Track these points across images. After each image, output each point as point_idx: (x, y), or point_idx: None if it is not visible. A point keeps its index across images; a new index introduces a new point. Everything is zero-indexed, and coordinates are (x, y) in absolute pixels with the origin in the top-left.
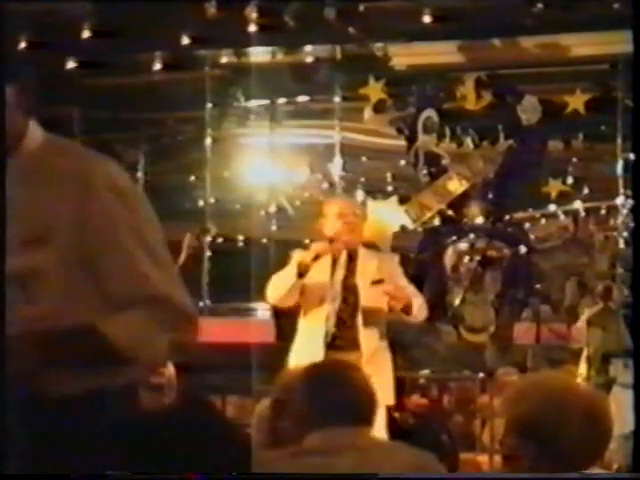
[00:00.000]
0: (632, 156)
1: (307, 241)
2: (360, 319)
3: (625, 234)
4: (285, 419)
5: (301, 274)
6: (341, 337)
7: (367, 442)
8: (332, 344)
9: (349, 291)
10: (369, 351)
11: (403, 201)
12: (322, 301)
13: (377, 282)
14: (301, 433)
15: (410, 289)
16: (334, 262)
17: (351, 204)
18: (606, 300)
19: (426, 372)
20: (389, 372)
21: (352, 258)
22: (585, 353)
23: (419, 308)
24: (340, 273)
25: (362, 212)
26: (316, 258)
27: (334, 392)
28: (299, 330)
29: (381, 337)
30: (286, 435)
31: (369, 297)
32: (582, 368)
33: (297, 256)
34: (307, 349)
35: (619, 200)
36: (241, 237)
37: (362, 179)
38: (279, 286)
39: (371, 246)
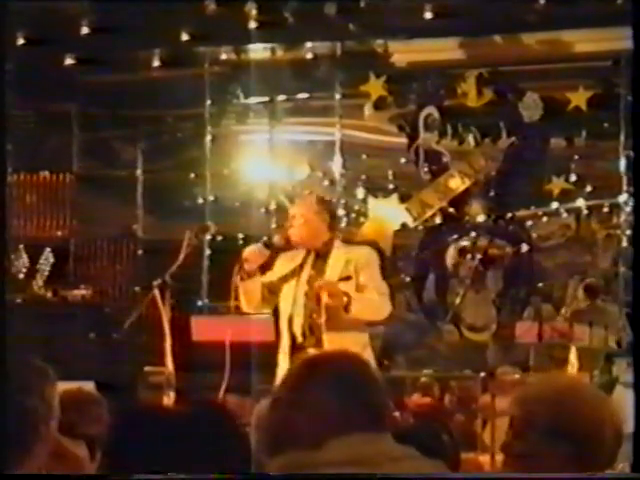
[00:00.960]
0: (632, 154)
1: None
2: (323, 318)
3: (628, 232)
4: (292, 420)
5: (242, 278)
6: (310, 337)
7: (393, 451)
8: (302, 345)
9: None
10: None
11: (404, 199)
12: (288, 302)
13: (344, 279)
14: (315, 438)
15: (378, 289)
16: (303, 263)
17: (310, 203)
18: (593, 298)
19: (427, 371)
20: None
21: (320, 256)
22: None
23: (365, 308)
24: (305, 274)
25: (314, 209)
26: (246, 261)
27: (352, 391)
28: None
29: (350, 330)
30: (294, 437)
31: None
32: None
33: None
34: (282, 351)
35: (622, 198)
36: (241, 235)
37: (363, 177)
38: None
39: (349, 240)
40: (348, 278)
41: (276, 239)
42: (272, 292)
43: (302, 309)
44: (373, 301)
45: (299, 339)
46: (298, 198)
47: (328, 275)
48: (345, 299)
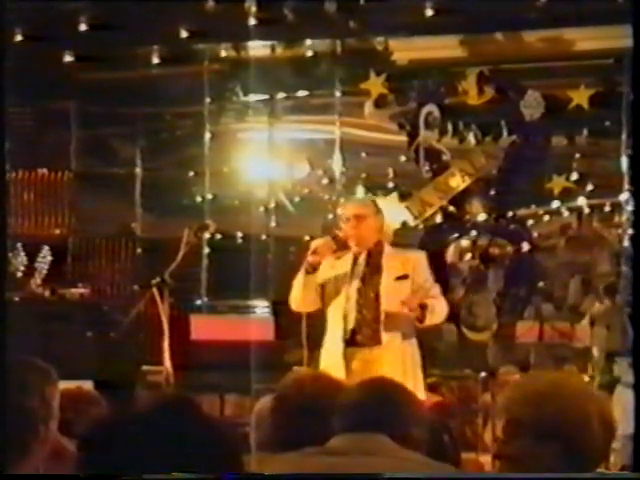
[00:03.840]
0: (631, 152)
1: (307, 238)
2: (382, 315)
3: (630, 231)
4: (298, 421)
5: (307, 271)
6: (362, 334)
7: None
8: (353, 341)
9: (370, 288)
10: (390, 347)
11: (404, 197)
12: (341, 300)
13: (402, 277)
14: (320, 437)
15: (433, 291)
16: (355, 262)
17: (354, 205)
18: (612, 298)
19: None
20: (412, 369)
21: (372, 256)
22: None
23: (434, 315)
24: (359, 271)
25: (371, 210)
26: (314, 253)
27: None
28: (327, 330)
29: (405, 334)
30: (299, 436)
31: (391, 293)
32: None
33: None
34: (331, 347)
35: (623, 197)
36: (240, 233)
37: (363, 175)
38: (294, 289)
39: (398, 244)
40: (405, 277)
41: (353, 237)
42: (322, 292)
43: (355, 305)
44: (441, 309)
45: (347, 334)
46: (354, 200)
47: (385, 274)
48: (420, 311)
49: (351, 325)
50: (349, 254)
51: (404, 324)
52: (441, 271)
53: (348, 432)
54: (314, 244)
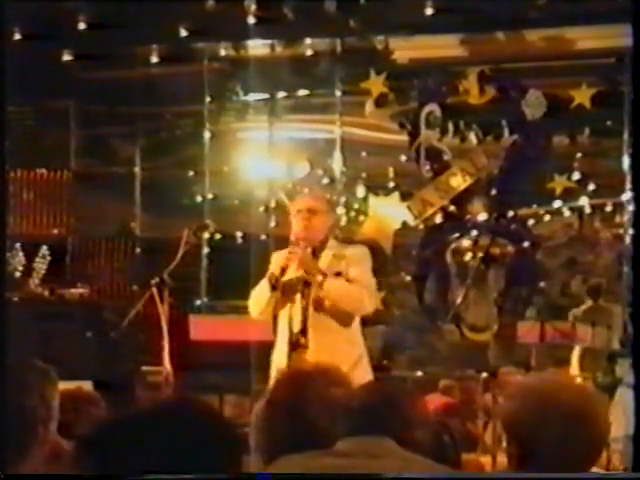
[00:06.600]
0: (632, 152)
1: None
2: (310, 314)
3: (631, 231)
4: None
5: (274, 287)
6: (305, 335)
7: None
8: (298, 343)
9: (310, 288)
10: (318, 349)
11: (405, 197)
12: (288, 303)
13: (336, 274)
14: (320, 437)
15: (357, 280)
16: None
17: (308, 199)
18: (596, 298)
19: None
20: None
21: (316, 254)
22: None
23: (339, 292)
24: (300, 272)
25: (324, 206)
26: (284, 269)
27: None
28: (277, 333)
29: (340, 333)
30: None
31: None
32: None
33: (272, 265)
34: (279, 349)
35: (625, 196)
36: (240, 233)
37: (363, 175)
38: (257, 302)
39: (345, 240)
40: (338, 274)
41: (302, 234)
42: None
43: (300, 308)
44: (350, 289)
45: (294, 338)
46: (306, 193)
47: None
48: (320, 277)
49: (297, 328)
50: (293, 260)
51: (341, 322)
52: (441, 271)
53: (353, 435)
54: (279, 262)
